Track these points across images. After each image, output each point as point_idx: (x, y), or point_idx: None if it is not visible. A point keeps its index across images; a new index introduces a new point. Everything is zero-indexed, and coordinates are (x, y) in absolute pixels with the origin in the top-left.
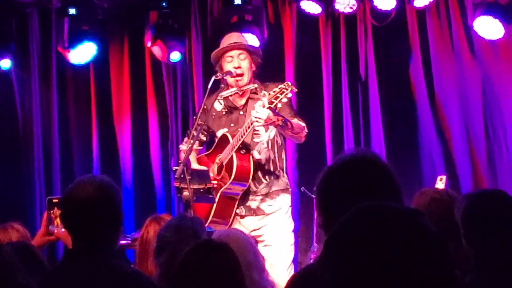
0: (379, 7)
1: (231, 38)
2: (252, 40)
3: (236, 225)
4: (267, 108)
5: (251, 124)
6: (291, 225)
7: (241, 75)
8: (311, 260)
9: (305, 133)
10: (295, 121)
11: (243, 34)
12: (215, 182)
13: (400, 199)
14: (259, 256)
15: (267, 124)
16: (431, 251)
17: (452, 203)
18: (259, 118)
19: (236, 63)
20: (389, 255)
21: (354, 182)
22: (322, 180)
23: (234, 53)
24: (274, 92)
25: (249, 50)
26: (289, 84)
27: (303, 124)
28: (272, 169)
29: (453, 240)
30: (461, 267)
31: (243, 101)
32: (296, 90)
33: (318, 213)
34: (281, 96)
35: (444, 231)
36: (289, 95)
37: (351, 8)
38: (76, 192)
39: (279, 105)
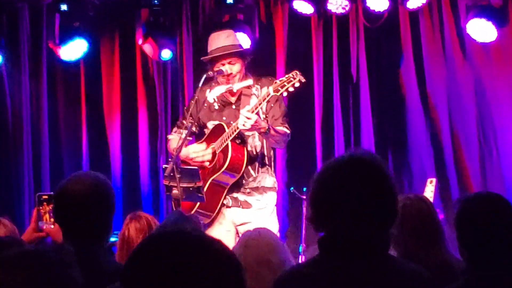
0: (371, 8)
1: (218, 40)
2: (243, 39)
3: (220, 217)
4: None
5: (237, 129)
6: (276, 225)
7: (233, 76)
8: (300, 260)
9: (288, 140)
10: (281, 128)
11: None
12: (208, 164)
13: (394, 201)
14: (289, 255)
15: (251, 130)
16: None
17: (429, 206)
18: (244, 125)
19: (228, 70)
20: None
21: (348, 182)
22: (317, 177)
23: (224, 60)
24: (281, 81)
25: (238, 54)
26: (298, 73)
27: (288, 131)
28: (261, 163)
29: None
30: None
31: (235, 97)
32: (304, 80)
33: (308, 207)
34: (287, 85)
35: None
36: (297, 84)
37: (343, 8)
38: (71, 187)
39: (273, 103)
